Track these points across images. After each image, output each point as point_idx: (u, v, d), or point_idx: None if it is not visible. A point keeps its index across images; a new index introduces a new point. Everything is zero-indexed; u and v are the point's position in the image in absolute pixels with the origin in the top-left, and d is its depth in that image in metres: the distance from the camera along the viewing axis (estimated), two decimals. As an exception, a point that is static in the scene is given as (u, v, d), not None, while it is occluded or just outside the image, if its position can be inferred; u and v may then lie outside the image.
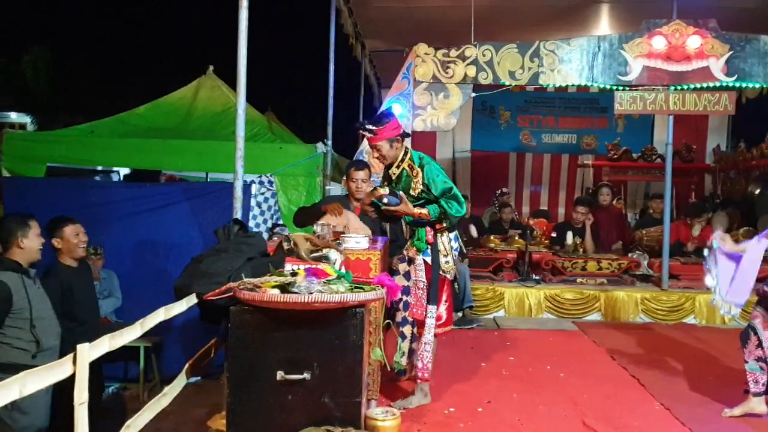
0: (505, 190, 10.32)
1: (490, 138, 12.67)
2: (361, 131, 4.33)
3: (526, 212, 11.78)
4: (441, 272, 4.33)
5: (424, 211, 4.20)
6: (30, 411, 3.85)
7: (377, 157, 4.37)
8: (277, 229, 5.52)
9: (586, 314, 7.43)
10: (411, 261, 4.40)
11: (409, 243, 4.44)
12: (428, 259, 4.33)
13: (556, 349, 6.10)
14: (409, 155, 4.32)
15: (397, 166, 4.31)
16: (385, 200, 4.15)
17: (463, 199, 4.30)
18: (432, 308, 4.31)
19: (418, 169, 4.25)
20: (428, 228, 4.30)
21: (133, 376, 6.45)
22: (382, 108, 7.61)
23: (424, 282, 4.34)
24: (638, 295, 7.44)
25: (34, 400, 3.60)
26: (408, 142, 4.48)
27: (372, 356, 3.46)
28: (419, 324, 4.40)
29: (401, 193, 4.21)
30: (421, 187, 4.24)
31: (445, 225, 4.28)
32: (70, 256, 4.78)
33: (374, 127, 4.21)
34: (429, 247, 4.31)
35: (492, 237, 8.89)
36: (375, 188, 4.34)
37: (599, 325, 7.14)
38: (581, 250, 8.08)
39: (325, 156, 7.30)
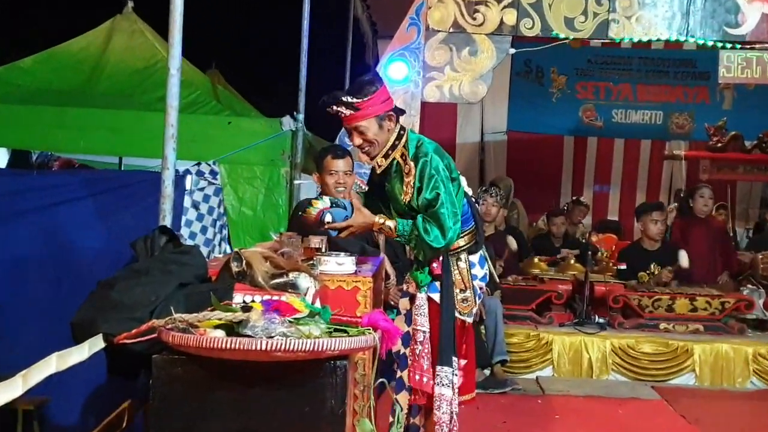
0: (584, 199, 10.42)
1: (537, 114, 12.75)
2: (334, 108, 4.13)
3: (587, 224, 11.80)
4: (457, 315, 4.30)
5: (388, 223, 4.16)
6: None
7: (360, 146, 4.21)
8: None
9: (673, 376, 7.46)
10: (412, 298, 4.40)
11: (407, 275, 4.43)
12: (436, 297, 4.28)
13: (628, 426, 6.13)
14: (404, 140, 4.23)
15: (385, 156, 4.23)
16: (327, 218, 4.09)
17: (452, 224, 4.10)
18: (446, 371, 4.23)
19: (411, 164, 4.17)
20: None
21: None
22: (381, 69, 7.63)
23: (425, 333, 4.29)
24: (750, 349, 7.47)
25: None
26: (412, 123, 4.41)
27: (358, 431, 3.48)
28: (421, 394, 4.35)
29: (350, 198, 4.22)
30: (412, 192, 4.17)
31: (418, 254, 4.27)
32: None
33: (354, 99, 4.07)
34: (434, 278, 4.28)
35: (536, 259, 8.93)
36: (307, 207, 4.21)
37: (692, 393, 7.17)
38: (665, 282, 8.12)
39: (294, 136, 7.32)
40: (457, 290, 4.30)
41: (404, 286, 4.46)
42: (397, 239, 4.25)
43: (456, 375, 4.26)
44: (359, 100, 4.07)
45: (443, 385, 4.23)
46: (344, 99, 4.08)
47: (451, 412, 4.25)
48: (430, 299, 4.30)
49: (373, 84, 4.17)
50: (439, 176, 4.13)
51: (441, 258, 4.24)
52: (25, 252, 6.39)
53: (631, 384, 7.36)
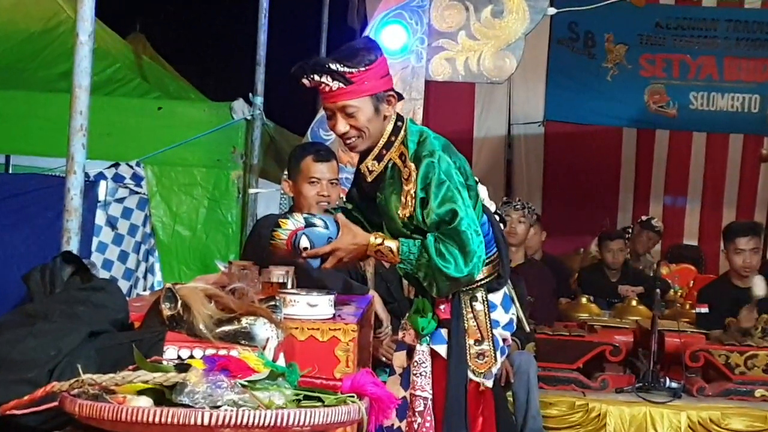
0: (656, 223, 10.47)
1: (585, 98, 12.84)
2: (315, 78, 4.02)
3: (655, 251, 11.84)
4: (471, 376, 4.29)
5: (390, 244, 4.10)
6: None
7: (345, 134, 4.12)
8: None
9: (773, 461, 7.50)
10: (411, 352, 4.39)
11: (403, 320, 4.41)
12: (442, 350, 4.27)
13: None
14: (402, 136, 4.19)
15: (378, 157, 4.18)
16: (304, 242, 4.03)
17: (476, 246, 4.02)
18: None
19: (411, 165, 4.11)
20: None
21: None
22: (370, 32, 7.66)
23: (428, 400, 4.28)
24: None
25: None
26: (412, 110, 4.35)
27: None
28: None
29: (337, 216, 4.15)
30: (414, 202, 4.09)
31: (430, 289, 4.18)
32: None
33: (346, 68, 3.98)
34: (441, 325, 4.27)
35: (585, 299, 8.97)
36: (274, 231, 4.12)
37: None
38: (759, 330, 8.16)
39: (249, 127, 7.35)
40: (472, 341, 4.27)
41: (400, 335, 4.40)
42: (400, 267, 4.15)
43: None
44: (352, 71, 3.99)
45: None
46: (332, 66, 3.97)
47: None
48: (434, 353, 4.27)
49: (371, 51, 4.11)
50: (452, 182, 4.05)
51: (451, 296, 4.23)
52: None
53: (715, 472, 7.40)
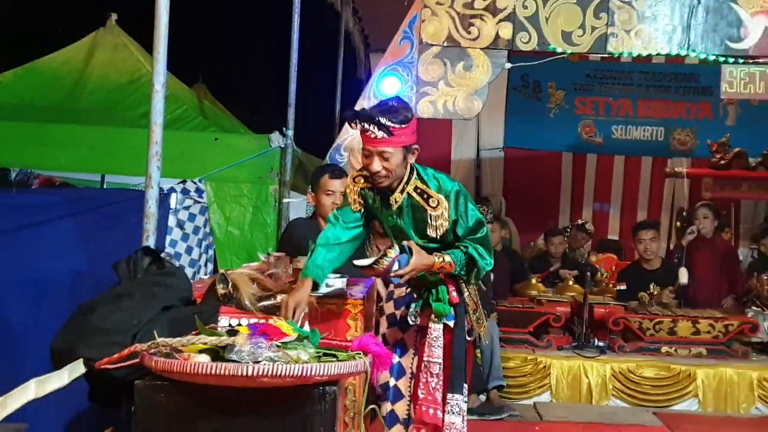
0: (588, 226, 10.48)
1: (534, 130, 12.78)
2: (365, 125, 3.94)
3: (587, 246, 11.84)
4: (469, 338, 4.32)
5: (447, 258, 4.05)
6: None
7: (378, 173, 4.04)
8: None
9: (676, 402, 7.47)
10: (419, 330, 4.34)
11: (414, 306, 4.34)
12: (451, 323, 4.26)
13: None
14: (415, 173, 4.14)
15: (401, 190, 4.11)
16: (395, 267, 3.91)
17: (492, 246, 4.26)
18: (457, 399, 4.21)
19: (439, 196, 4.08)
20: (449, 280, 4.22)
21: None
22: (373, 84, 7.65)
23: (440, 363, 4.23)
24: (755, 373, 7.48)
25: None
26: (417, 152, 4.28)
27: (348, 460, 3.48)
28: (429, 427, 4.26)
29: (409, 243, 4.02)
30: (447, 225, 4.09)
31: (468, 280, 4.24)
32: None
33: (393, 123, 3.90)
34: (453, 308, 4.26)
35: (534, 280, 8.94)
36: (379, 259, 3.96)
37: (695, 419, 7.19)
38: (666, 302, 8.13)
39: (282, 153, 7.33)
40: (471, 311, 4.31)
41: (412, 319, 4.32)
42: (455, 272, 4.12)
43: (466, 402, 4.27)
44: (395, 125, 3.91)
45: (454, 413, 4.20)
46: (381, 120, 3.88)
47: None
48: (446, 326, 4.25)
49: (408, 110, 4.06)
50: (474, 206, 4.18)
51: (456, 284, 4.25)
52: (1, 274, 6.38)
53: (631, 410, 7.36)
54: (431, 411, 4.21)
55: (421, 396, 4.25)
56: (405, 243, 4.01)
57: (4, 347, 6.12)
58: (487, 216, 7.88)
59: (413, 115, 4.06)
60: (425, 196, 4.10)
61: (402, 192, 4.11)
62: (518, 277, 9.09)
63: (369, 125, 3.90)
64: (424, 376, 4.24)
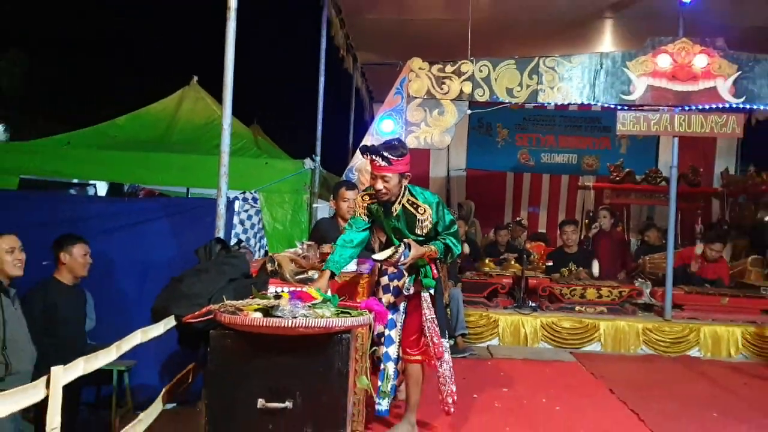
0: (524, 222, 10.52)
1: (487, 156, 12.80)
2: (372, 156, 4.05)
3: (524, 236, 11.84)
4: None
5: (431, 248, 4.12)
6: (-7, 436, 3.85)
7: (379, 190, 4.09)
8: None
9: (585, 344, 7.46)
10: (410, 297, 4.34)
11: (407, 278, 4.33)
12: (432, 291, 4.27)
13: (552, 380, 6.12)
14: (407, 191, 4.18)
15: (398, 202, 4.15)
16: (402, 259, 3.98)
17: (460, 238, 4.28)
18: (444, 341, 4.27)
19: (426, 206, 4.14)
20: (432, 262, 4.24)
21: (106, 401, 6.40)
22: (374, 124, 7.66)
23: (434, 318, 4.25)
24: (640, 325, 7.48)
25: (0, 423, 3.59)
26: (409, 177, 4.32)
27: (358, 384, 3.47)
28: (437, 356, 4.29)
29: (408, 240, 4.07)
30: (431, 225, 4.14)
31: (445, 260, 4.28)
32: (72, 274, 5.02)
33: (392, 156, 4.00)
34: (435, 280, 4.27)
35: (487, 260, 8.93)
36: (392, 255, 4.05)
37: (598, 357, 7.17)
38: (580, 277, 8.13)
39: (312, 172, 7.32)
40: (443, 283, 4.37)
41: (406, 289, 4.33)
42: (438, 257, 4.18)
43: (449, 343, 4.35)
44: (394, 158, 4.00)
45: (444, 350, 4.26)
46: (384, 153, 3.99)
47: (450, 368, 4.27)
48: (431, 295, 4.27)
49: (405, 147, 4.13)
50: (449, 212, 4.24)
51: (435, 265, 4.25)
52: (119, 257, 6.39)
53: (554, 350, 7.36)
54: (441, 349, 4.24)
55: (428, 336, 4.24)
56: (405, 240, 4.05)
57: (121, 308, 6.15)
58: (456, 216, 7.89)
59: (408, 152, 4.12)
60: (415, 206, 4.14)
61: (399, 204, 4.15)
62: (476, 258, 9.08)
63: (375, 156, 4.00)
64: (431, 326, 4.23)
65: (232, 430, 2.97)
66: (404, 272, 4.35)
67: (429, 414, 4.68)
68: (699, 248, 8.41)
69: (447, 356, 4.25)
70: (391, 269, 4.38)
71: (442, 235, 4.16)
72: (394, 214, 4.18)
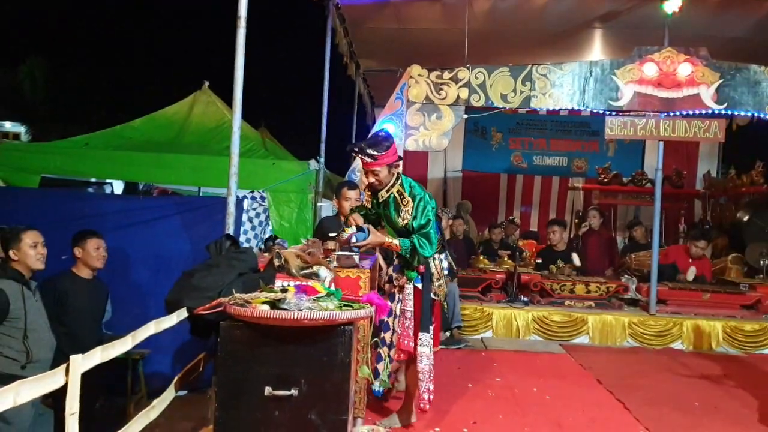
0: (517, 221, 10.50)
1: (482, 159, 12.78)
2: (358, 155, 4.11)
3: (516, 234, 11.84)
4: (434, 296, 4.28)
5: (395, 242, 4.12)
6: (14, 421, 3.85)
7: (373, 182, 4.17)
8: (278, 241, 5.48)
9: (574, 337, 7.45)
10: (401, 289, 4.33)
11: (392, 267, 4.38)
12: (419, 285, 4.25)
13: (543, 371, 6.12)
14: (399, 181, 4.20)
15: (387, 190, 4.19)
16: (353, 240, 4.04)
17: (435, 241, 4.18)
18: (425, 336, 4.20)
19: (409, 199, 4.15)
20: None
21: (120, 388, 6.40)
22: (375, 128, 7.65)
23: (411, 312, 4.24)
24: (626, 319, 7.47)
25: (19, 410, 3.59)
26: (400, 164, 4.35)
27: (359, 374, 3.48)
28: (404, 353, 4.30)
29: (368, 225, 4.16)
30: (410, 218, 4.13)
31: (410, 261, 4.21)
32: (88, 267, 5.03)
33: (375, 152, 4.03)
34: (419, 274, 4.25)
35: (481, 257, 8.93)
36: (339, 233, 4.16)
37: (586, 349, 7.16)
38: (568, 273, 8.12)
39: (317, 173, 7.32)
40: (435, 280, 4.30)
41: (395, 280, 4.36)
42: (400, 252, 4.17)
43: (432, 338, 4.26)
44: (377, 153, 4.04)
45: (424, 345, 4.21)
46: (367, 150, 4.04)
47: (430, 365, 4.23)
48: (415, 288, 4.26)
49: (386, 140, 4.14)
50: (428, 210, 4.16)
51: (418, 258, 4.21)
52: (134, 251, 6.39)
53: (545, 342, 7.35)
54: (405, 342, 4.26)
55: (399, 332, 4.30)
56: (364, 225, 4.16)
57: (137, 300, 6.15)
58: (449, 214, 7.88)
59: (392, 142, 4.15)
60: (401, 197, 4.17)
61: (388, 192, 4.19)
62: (472, 255, 9.07)
63: (361, 154, 4.08)
64: (401, 320, 4.28)
65: (241, 416, 2.97)
66: (395, 261, 4.38)
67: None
68: (695, 255, 8.40)
69: (428, 351, 4.20)
70: (396, 261, 4.41)
71: (414, 234, 4.14)
72: (381, 200, 4.24)
